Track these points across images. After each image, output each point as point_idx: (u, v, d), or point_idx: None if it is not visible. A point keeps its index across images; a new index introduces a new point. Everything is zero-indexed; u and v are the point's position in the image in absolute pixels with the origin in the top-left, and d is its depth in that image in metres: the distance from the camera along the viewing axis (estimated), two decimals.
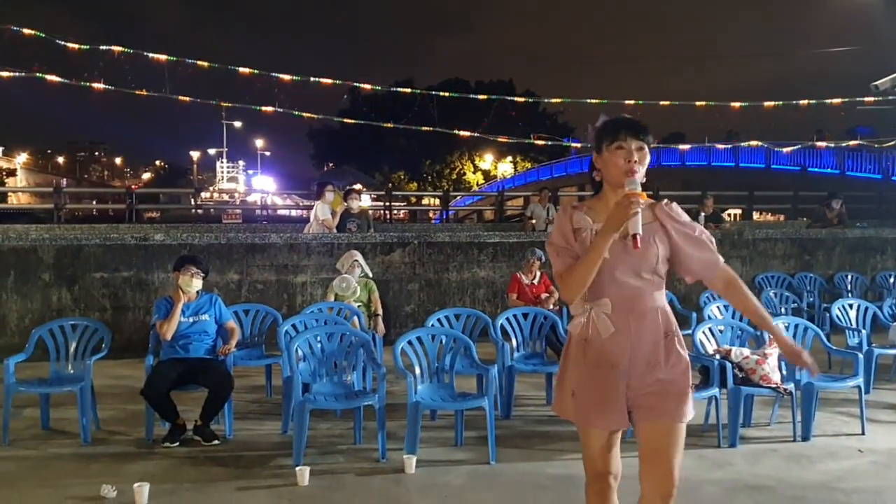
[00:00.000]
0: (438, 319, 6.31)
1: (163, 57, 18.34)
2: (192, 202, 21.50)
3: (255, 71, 19.55)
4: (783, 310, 8.19)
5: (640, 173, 2.68)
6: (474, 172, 59.59)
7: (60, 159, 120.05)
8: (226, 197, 69.08)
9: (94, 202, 36.16)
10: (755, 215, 28.11)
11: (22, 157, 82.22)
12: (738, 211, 25.84)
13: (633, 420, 2.78)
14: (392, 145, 55.58)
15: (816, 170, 26.68)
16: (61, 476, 4.63)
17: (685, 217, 2.84)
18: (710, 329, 5.77)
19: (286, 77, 19.90)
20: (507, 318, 6.37)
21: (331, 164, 64.23)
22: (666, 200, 2.83)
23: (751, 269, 10.46)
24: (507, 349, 6.11)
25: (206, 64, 19.35)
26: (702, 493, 4.41)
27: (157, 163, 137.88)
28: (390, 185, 55.40)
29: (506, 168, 59.20)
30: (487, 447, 4.94)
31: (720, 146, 32.98)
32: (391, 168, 58.84)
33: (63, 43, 17.14)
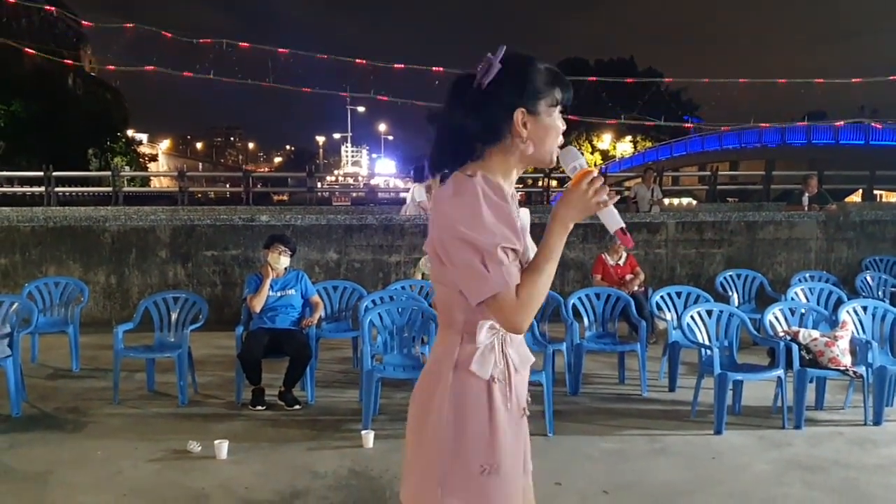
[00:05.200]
0: None
1: (294, 50, 19.46)
2: (318, 185, 22.47)
3: (386, 64, 20.35)
4: (880, 293, 7.90)
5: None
6: (592, 153, 58.80)
7: (199, 145, 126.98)
8: (350, 180, 71.21)
9: (228, 185, 38.03)
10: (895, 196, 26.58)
11: (165, 144, 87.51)
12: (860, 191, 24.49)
13: None
14: None
15: None
16: (157, 432, 5.17)
17: None
18: (780, 310, 5.72)
19: (406, 65, 20.65)
20: (580, 298, 6.50)
21: None
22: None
23: (858, 251, 10.07)
24: (576, 328, 6.25)
25: (334, 56, 20.34)
26: (749, 471, 4.45)
27: (288, 147, 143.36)
28: None
29: (625, 148, 58.13)
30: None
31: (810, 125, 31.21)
32: None
33: (193, 41, 18.41)
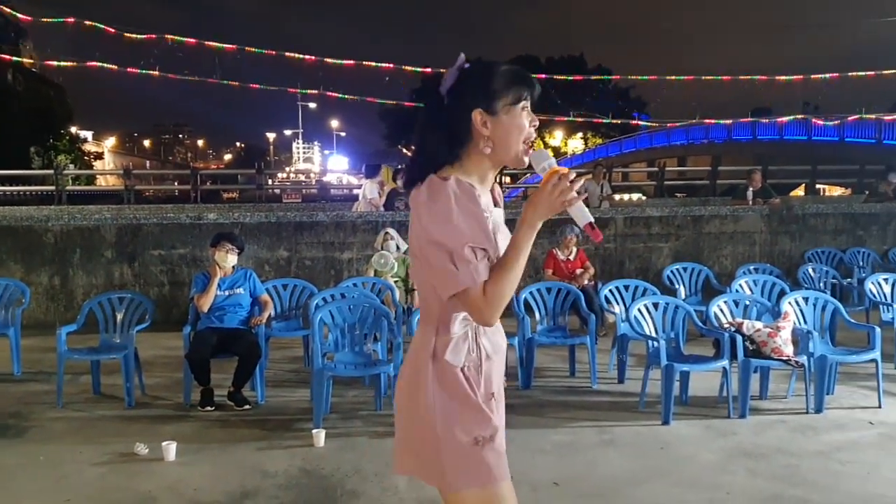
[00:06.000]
0: None
1: (242, 47, 19.20)
2: (269, 182, 22.24)
3: (337, 61, 20.17)
4: (822, 284, 8.12)
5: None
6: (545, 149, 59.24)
7: (147, 142, 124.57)
8: (301, 177, 70.57)
9: (176, 183, 37.46)
10: (837, 190, 27.34)
11: (110, 141, 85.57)
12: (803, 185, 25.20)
13: None
14: None
15: (893, 142, 25.68)
16: (103, 435, 5.06)
17: None
18: (724, 302, 5.83)
19: (357, 62, 20.52)
20: (531, 293, 6.55)
21: (403, 143, 65.02)
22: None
23: (800, 244, 10.32)
24: (528, 322, 6.30)
25: (286, 53, 20.08)
26: (696, 460, 4.54)
27: (238, 144, 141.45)
28: None
29: (576, 144, 58.71)
30: None
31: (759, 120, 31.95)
32: None
33: (137, 36, 18.06)
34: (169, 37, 18.44)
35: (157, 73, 18.17)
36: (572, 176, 1.89)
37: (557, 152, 58.60)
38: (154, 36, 18.28)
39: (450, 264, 1.85)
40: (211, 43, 18.89)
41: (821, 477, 4.26)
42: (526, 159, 2.00)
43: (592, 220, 1.92)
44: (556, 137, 60.01)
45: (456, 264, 1.84)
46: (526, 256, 1.90)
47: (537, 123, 2.05)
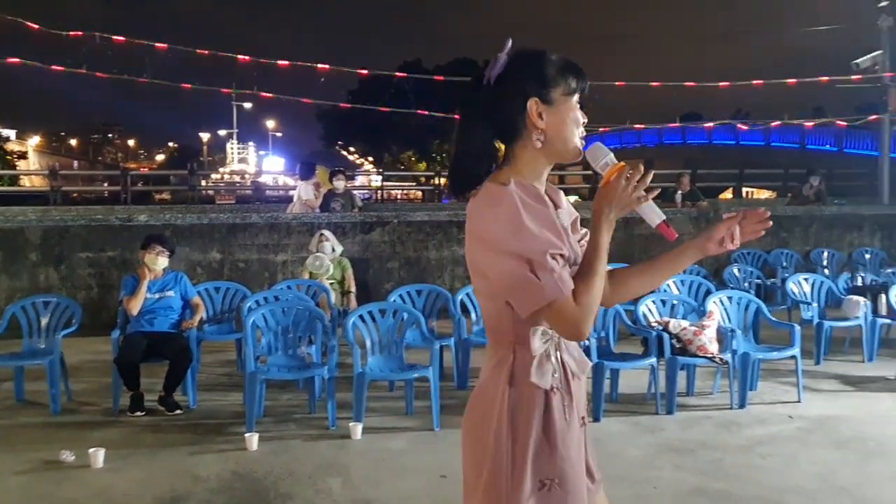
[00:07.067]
0: (400, 295, 6.56)
1: (174, 46, 18.79)
2: (203, 183, 21.84)
3: (273, 61, 19.90)
4: (746, 284, 8.40)
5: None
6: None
7: (74, 141, 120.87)
8: (236, 178, 69.44)
9: (106, 184, 36.49)
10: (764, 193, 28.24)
11: (35, 140, 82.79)
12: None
13: None
14: (400, 124, 55.63)
15: (815, 147, 26.77)
16: (27, 443, 4.93)
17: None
18: (652, 302, 5.99)
19: (293, 62, 20.28)
20: (468, 294, 6.60)
21: (340, 144, 64.62)
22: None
23: None
24: (464, 324, 6.36)
25: (217, 52, 19.71)
26: (624, 456, 4.65)
27: (171, 144, 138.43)
28: (401, 165, 55.79)
29: None
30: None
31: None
32: (400, 148, 58.86)
33: (63, 33, 17.52)
34: (98, 34, 17.94)
35: (84, 71, 17.64)
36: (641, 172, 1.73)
37: None
38: (82, 33, 17.75)
39: (530, 275, 1.63)
40: (140, 41, 18.44)
41: (743, 470, 4.42)
42: (580, 149, 1.85)
43: (665, 217, 1.79)
44: None
45: (538, 275, 1.63)
46: (607, 255, 1.71)
47: (586, 120, 1.88)
